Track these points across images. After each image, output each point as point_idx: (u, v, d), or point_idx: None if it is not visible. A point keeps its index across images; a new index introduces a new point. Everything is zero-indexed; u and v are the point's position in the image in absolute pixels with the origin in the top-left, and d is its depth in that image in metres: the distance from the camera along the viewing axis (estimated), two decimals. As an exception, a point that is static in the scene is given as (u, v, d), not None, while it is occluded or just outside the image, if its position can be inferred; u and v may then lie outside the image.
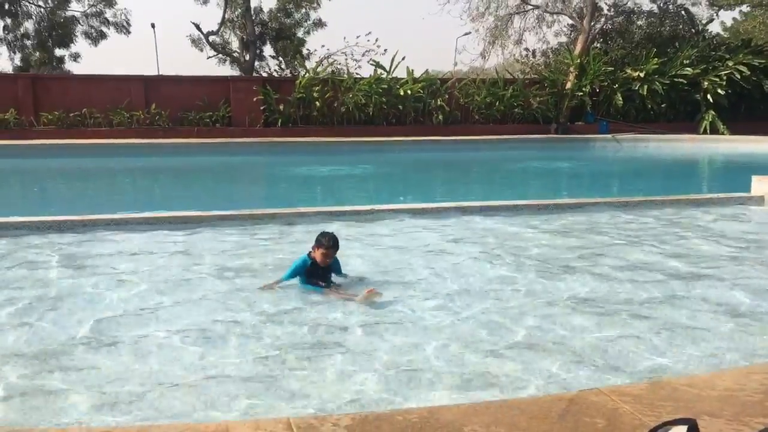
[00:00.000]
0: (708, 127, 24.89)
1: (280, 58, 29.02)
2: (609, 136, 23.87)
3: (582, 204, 9.23)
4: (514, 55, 29.28)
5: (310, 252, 5.50)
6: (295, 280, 5.48)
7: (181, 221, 7.85)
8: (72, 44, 34.73)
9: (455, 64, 34.38)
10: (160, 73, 29.60)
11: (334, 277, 5.58)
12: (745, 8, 32.99)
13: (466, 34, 30.13)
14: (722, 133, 24.46)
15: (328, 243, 5.43)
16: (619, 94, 25.15)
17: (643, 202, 9.42)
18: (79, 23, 34.40)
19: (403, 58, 24.65)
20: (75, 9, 34.53)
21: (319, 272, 5.47)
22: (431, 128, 24.04)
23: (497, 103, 24.88)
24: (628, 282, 5.70)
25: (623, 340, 4.29)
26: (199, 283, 5.61)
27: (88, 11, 34.32)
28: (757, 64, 25.26)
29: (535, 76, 27.14)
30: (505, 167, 18.35)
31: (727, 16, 45.41)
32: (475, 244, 7.15)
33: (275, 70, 28.35)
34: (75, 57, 35.51)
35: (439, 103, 24.38)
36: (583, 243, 7.27)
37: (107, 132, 21.69)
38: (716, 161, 20.68)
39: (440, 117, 24.35)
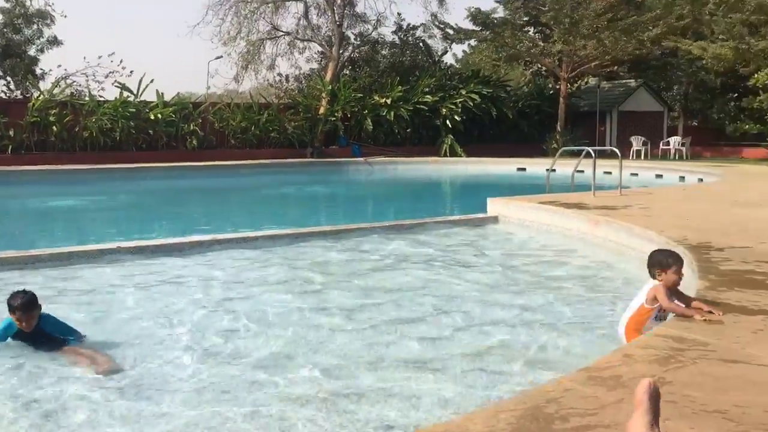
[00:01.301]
0: (448, 150, 27.09)
1: (9, 78, 26.09)
2: (361, 159, 24.92)
3: (338, 230, 9.43)
4: (268, 79, 29.41)
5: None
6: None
7: None
8: None
9: (208, 87, 33.60)
10: None
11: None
12: (473, 42, 36.56)
13: (218, 57, 29.39)
14: (460, 155, 26.78)
15: (18, 306, 4.57)
16: (368, 120, 26.40)
17: (393, 226, 9.86)
18: None
19: (152, 81, 23.52)
20: None
21: (29, 338, 4.66)
22: (185, 153, 23.17)
23: (253, 128, 24.74)
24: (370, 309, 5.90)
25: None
26: None
27: None
28: (485, 92, 28.13)
29: (290, 101, 27.50)
30: (265, 192, 18.27)
31: (458, 49, 50.09)
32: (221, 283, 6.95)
33: (2, 91, 25.43)
34: None
35: (192, 127, 23.61)
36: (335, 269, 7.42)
37: None
38: (456, 182, 22.58)
39: (194, 142, 23.60)
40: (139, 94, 23.25)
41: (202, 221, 12.81)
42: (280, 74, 29.72)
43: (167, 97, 23.97)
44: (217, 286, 6.69)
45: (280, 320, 5.55)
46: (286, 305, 6.01)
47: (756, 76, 27.44)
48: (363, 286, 6.78)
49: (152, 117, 22.72)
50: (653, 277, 4.22)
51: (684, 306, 4.14)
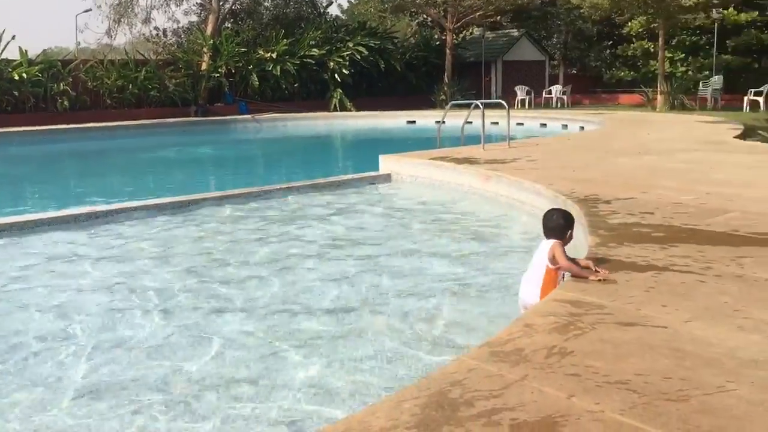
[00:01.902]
0: (337, 104, 26.71)
1: None
2: (249, 116, 24.12)
3: (219, 197, 9.01)
4: (144, 34, 27.76)
5: None
6: None
7: None
8: None
9: (78, 43, 31.34)
10: None
11: None
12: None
13: (87, 11, 27.33)
14: (349, 110, 26.48)
15: None
16: (254, 75, 25.52)
17: (286, 188, 9.53)
18: None
19: (14, 37, 21.57)
20: None
21: None
22: (56, 116, 21.54)
23: (130, 86, 23.34)
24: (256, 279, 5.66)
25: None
26: None
27: None
28: (373, 44, 27.81)
29: (169, 56, 26.13)
30: (146, 156, 17.31)
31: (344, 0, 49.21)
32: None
33: None
34: None
35: (62, 87, 21.97)
36: (215, 238, 7.07)
37: None
38: (348, 137, 22.33)
39: (66, 103, 22.02)
40: (0, 52, 21.34)
41: (78, 191, 11.96)
42: (156, 28, 28.22)
43: (32, 55, 22.12)
44: (96, 263, 6.19)
45: (166, 297, 5.19)
46: (169, 282, 5.64)
47: (630, 24, 28.61)
48: (258, 251, 6.49)
49: (16, 77, 20.94)
50: (555, 237, 4.17)
51: (578, 266, 4.14)
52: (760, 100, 21.41)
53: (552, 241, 4.12)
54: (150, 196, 9.05)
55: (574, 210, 6.26)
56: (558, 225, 4.22)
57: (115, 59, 24.23)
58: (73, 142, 19.05)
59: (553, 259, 4.06)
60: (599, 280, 3.95)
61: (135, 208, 8.15)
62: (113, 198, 9.65)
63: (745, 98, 22.16)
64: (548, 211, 4.51)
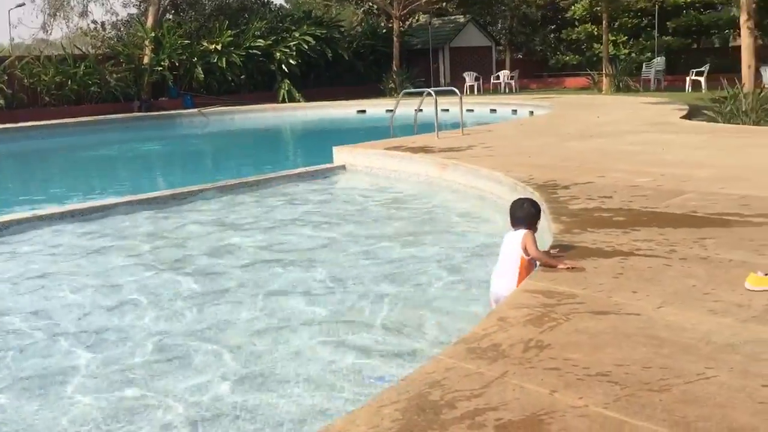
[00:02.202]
0: (285, 96, 26.37)
1: None
2: (195, 110, 23.61)
3: (176, 195, 8.73)
4: (81, 28, 26.88)
5: None
6: None
7: None
8: None
9: (12, 39, 30.12)
10: None
11: None
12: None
13: (20, 5, 26.25)
14: (298, 101, 26.18)
15: None
16: (199, 68, 24.99)
17: (238, 185, 9.30)
18: None
19: (-58, 34, 20.68)
20: None
21: None
22: (-8, 115, 20.72)
23: (69, 83, 22.58)
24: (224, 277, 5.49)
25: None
26: None
27: None
28: (319, 34, 27.49)
29: (109, 50, 25.35)
30: (87, 155, 16.76)
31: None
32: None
33: None
34: None
35: (-3, 85, 21.13)
36: (184, 236, 6.85)
37: None
38: (298, 129, 22.05)
39: (1, 101, 21.16)
40: (-74, 50, 20.40)
41: (17, 195, 11.47)
42: (95, 21, 27.39)
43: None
44: (35, 270, 5.91)
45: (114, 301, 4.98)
46: (117, 286, 5.42)
47: (573, 8, 29.00)
48: (212, 249, 6.29)
49: (-55, 76, 20.07)
50: (524, 227, 4.12)
51: (549, 255, 4.11)
52: (702, 80, 21.94)
53: (523, 231, 4.08)
54: (94, 196, 8.71)
55: (534, 197, 6.26)
56: (529, 214, 4.19)
57: (53, 55, 23.39)
58: (11, 143, 18.30)
59: (525, 250, 4.01)
60: (568, 268, 3.93)
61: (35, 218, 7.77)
62: (42, 203, 9.28)
63: (687, 78, 22.69)
64: (516, 200, 4.46)
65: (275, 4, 32.47)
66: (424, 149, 9.96)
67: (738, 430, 2.23)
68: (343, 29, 30.89)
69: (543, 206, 5.71)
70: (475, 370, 2.76)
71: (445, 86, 25.80)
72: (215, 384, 3.74)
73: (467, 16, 33.46)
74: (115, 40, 26.70)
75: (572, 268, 3.94)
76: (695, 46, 30.74)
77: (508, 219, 4.28)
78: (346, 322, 4.55)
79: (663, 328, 3.07)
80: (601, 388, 2.56)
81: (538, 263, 4.05)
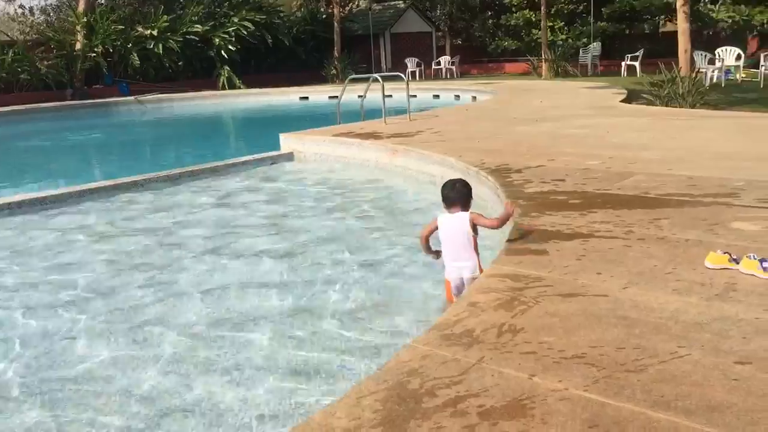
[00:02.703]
0: (226, 83, 25.85)
1: None
2: (131, 98, 22.88)
3: (118, 185, 8.44)
4: (8, 13, 25.64)
5: None
6: None
7: None
8: None
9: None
10: None
11: None
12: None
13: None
14: (239, 87, 25.69)
15: None
16: (134, 54, 24.22)
17: (183, 174, 9.06)
18: None
19: None
20: None
21: None
22: None
23: (-3, 70, 21.57)
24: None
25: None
26: None
27: None
28: (259, 20, 27.00)
29: (38, 36, 24.30)
30: (18, 145, 16.04)
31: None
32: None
33: None
34: None
35: None
36: (117, 231, 6.62)
37: None
38: (239, 116, 21.62)
39: None
40: None
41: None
42: (22, 6, 26.10)
43: None
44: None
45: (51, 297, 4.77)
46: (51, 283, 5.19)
47: (512, -6, 29.27)
48: (160, 242, 6.10)
49: None
50: (460, 206, 4.18)
51: (499, 218, 4.23)
52: (636, 64, 22.47)
53: (464, 214, 4.13)
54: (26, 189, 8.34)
55: (489, 181, 6.29)
56: (462, 193, 4.24)
57: (-23, 41, 22.30)
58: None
59: (474, 228, 4.08)
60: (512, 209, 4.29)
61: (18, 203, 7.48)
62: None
63: (623, 63, 23.21)
64: (448, 181, 4.45)
65: (212, -11, 31.68)
66: (373, 135, 9.89)
67: (716, 407, 2.26)
68: (282, 14, 30.41)
69: (498, 190, 5.76)
70: (451, 357, 2.73)
71: (386, 72, 25.72)
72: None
73: (407, 1, 33.41)
74: (45, 25, 25.59)
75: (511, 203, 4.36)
76: (628, 31, 31.44)
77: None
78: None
79: (631, 309, 3.11)
80: (579, 370, 2.56)
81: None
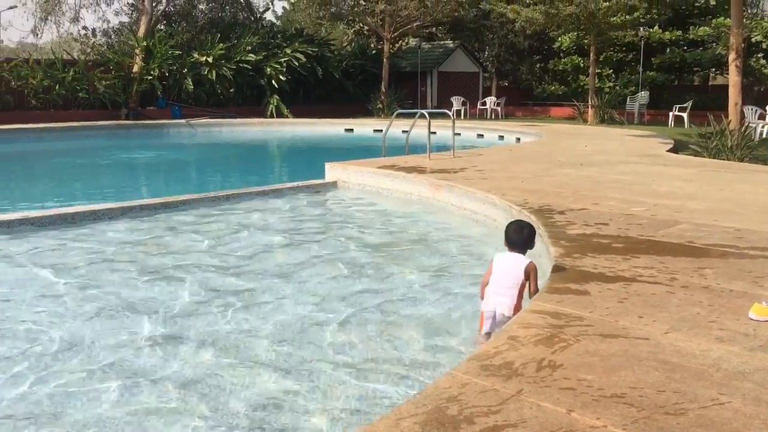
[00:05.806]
0: (274, 111, 26.38)
1: None
2: (183, 121, 23.52)
3: (168, 203, 8.68)
4: (72, 33, 26.77)
5: None
6: None
7: None
8: None
9: (1, 41, 29.90)
10: None
11: None
12: (292, -1, 35.83)
13: (11, 7, 26.09)
14: (286, 116, 26.19)
15: None
16: (189, 79, 24.93)
17: (231, 195, 9.28)
18: None
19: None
20: None
21: None
22: (-24, 116, 20.48)
23: (57, 87, 22.41)
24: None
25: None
26: None
27: None
28: (311, 52, 27.61)
29: (98, 57, 25.23)
30: (74, 160, 16.59)
31: (279, 6, 48.74)
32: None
33: None
34: None
35: (-16, 87, 20.91)
36: (166, 247, 6.80)
37: None
38: (286, 144, 22.02)
39: (-13, 103, 20.96)
40: None
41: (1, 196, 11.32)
42: (85, 27, 27.44)
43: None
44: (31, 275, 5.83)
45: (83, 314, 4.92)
46: (93, 298, 5.36)
47: (560, 39, 29.46)
48: (200, 262, 6.25)
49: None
50: (520, 250, 4.20)
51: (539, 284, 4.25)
52: (684, 115, 22.32)
53: (526, 260, 4.16)
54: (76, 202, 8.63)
55: (531, 220, 6.32)
56: (527, 240, 4.27)
57: (41, 59, 23.23)
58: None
59: (527, 276, 4.11)
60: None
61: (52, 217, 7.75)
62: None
63: (671, 114, 23.07)
64: (515, 223, 4.50)
65: (268, 21, 32.60)
66: (417, 169, 10.00)
67: (757, 455, 2.26)
68: (333, 48, 31.04)
69: (540, 230, 5.78)
70: (490, 387, 2.77)
71: (432, 109, 25.95)
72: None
73: (456, 41, 33.83)
74: (105, 47, 26.58)
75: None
76: (677, 82, 31.31)
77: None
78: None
79: (673, 354, 3.11)
80: (618, 409, 2.58)
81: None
